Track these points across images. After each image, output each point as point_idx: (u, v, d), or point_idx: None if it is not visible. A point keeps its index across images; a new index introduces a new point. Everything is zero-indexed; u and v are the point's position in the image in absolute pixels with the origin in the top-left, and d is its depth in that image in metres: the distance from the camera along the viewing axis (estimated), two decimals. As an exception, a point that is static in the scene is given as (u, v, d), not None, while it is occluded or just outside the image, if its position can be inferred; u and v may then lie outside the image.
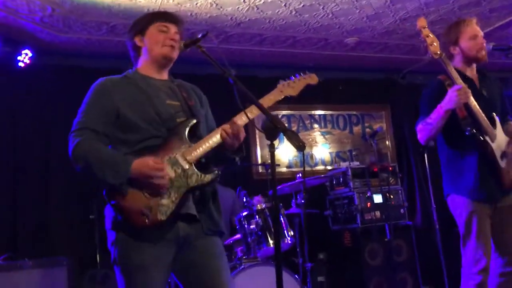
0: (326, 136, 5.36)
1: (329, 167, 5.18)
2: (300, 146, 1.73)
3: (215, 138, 1.93)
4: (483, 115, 2.74)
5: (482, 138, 2.72)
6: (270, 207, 3.44)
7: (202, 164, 1.93)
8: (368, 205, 4.47)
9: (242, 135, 1.95)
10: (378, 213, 4.48)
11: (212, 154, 1.96)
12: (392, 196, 4.58)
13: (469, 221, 2.80)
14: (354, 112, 5.52)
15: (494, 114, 2.85)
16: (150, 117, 1.91)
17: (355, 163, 4.80)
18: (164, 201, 1.80)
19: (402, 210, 4.59)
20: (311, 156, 5.24)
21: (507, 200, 2.86)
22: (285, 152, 5.06)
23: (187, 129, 1.93)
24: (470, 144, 2.79)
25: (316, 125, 5.35)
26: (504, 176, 2.79)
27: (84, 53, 4.44)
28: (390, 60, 5.24)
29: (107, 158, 1.81)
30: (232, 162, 2.10)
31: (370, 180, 4.57)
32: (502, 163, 2.78)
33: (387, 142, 5.56)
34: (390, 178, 4.68)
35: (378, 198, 4.52)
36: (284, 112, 5.22)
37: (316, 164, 5.25)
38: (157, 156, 1.83)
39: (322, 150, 5.30)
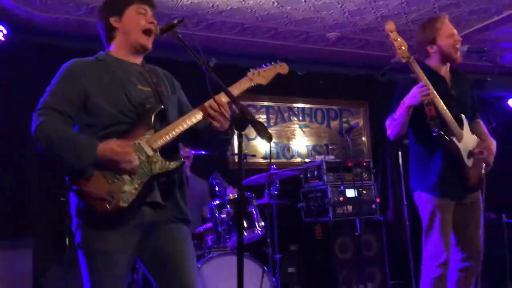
0: (304, 129, 5.38)
1: (306, 160, 5.20)
2: (267, 137, 1.74)
3: (185, 125, 1.92)
4: (450, 115, 2.79)
5: (448, 139, 2.77)
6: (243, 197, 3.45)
7: (169, 151, 1.92)
8: (341, 199, 4.52)
9: (227, 112, 1.94)
10: (350, 208, 4.53)
11: (206, 138, 1.99)
12: (364, 191, 4.63)
13: (432, 216, 2.87)
14: (333, 107, 5.55)
15: (462, 115, 2.91)
16: (120, 102, 1.89)
17: (330, 157, 4.84)
18: (126, 187, 1.79)
19: (373, 206, 4.65)
20: (288, 148, 5.27)
21: (471, 198, 2.94)
22: (262, 143, 5.07)
23: (154, 116, 1.91)
24: (437, 143, 2.84)
25: (294, 118, 5.36)
26: (470, 175, 2.85)
27: (62, 32, 4.36)
28: (371, 56, 5.28)
29: (71, 140, 1.78)
30: (226, 143, 2.10)
31: (344, 175, 4.62)
32: (469, 162, 2.84)
33: (363, 138, 5.61)
34: (364, 174, 4.73)
35: (351, 193, 4.57)
36: (264, 103, 5.22)
37: (292, 156, 5.27)
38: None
39: (299, 142, 5.32)
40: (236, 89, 2.03)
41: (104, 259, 1.81)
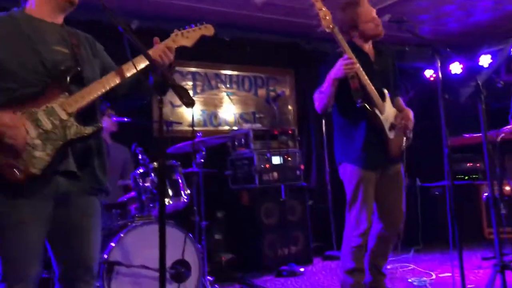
0: (231, 97, 5.35)
1: (234, 128, 5.20)
2: (188, 103, 1.69)
3: (103, 89, 1.82)
4: (373, 88, 2.88)
5: (371, 110, 2.87)
6: (167, 165, 3.39)
7: (85, 116, 1.82)
8: (267, 166, 4.58)
9: (172, 54, 1.93)
10: (275, 174, 4.61)
11: (130, 86, 1.91)
12: (290, 159, 4.73)
13: (356, 187, 2.97)
14: (260, 75, 5.55)
15: (384, 89, 3.01)
16: (31, 64, 1.76)
17: (257, 125, 4.87)
18: (38, 153, 1.68)
19: (298, 172, 4.77)
20: (215, 116, 5.23)
21: (392, 169, 3.07)
22: (188, 111, 4.98)
23: (69, 78, 1.80)
24: (360, 115, 2.93)
25: (222, 85, 5.31)
26: (391, 146, 2.98)
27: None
28: (297, 25, 5.29)
29: None
30: (149, 93, 2.04)
31: (270, 142, 4.67)
32: (390, 134, 2.96)
33: (289, 107, 5.69)
34: (289, 141, 4.82)
35: (276, 160, 4.65)
36: (190, 69, 5.11)
37: (219, 124, 5.24)
38: (34, 105, 1.70)
39: (226, 110, 5.29)
40: (157, 50, 1.95)
41: (17, 231, 1.71)
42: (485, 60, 5.63)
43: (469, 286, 2.97)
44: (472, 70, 5.78)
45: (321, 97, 2.96)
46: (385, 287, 3.19)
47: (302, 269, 4.25)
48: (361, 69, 2.82)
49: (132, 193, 3.44)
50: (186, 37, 2.03)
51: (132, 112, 4.10)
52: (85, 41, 1.98)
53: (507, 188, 4.59)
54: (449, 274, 3.73)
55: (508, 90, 4.52)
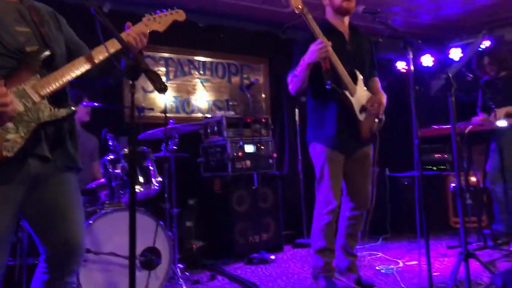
0: (205, 84, 5.30)
1: (207, 115, 5.15)
2: (161, 88, 1.67)
3: (77, 71, 1.78)
4: (344, 70, 2.90)
5: (340, 91, 2.89)
6: (138, 152, 3.34)
7: (57, 98, 1.77)
8: (240, 154, 4.58)
9: (146, 38, 1.91)
10: (248, 162, 4.62)
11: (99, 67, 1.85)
12: (263, 147, 4.73)
13: (324, 166, 3.02)
14: (234, 62, 5.51)
15: (357, 70, 3.04)
16: None
17: (231, 113, 4.85)
18: (10, 136, 1.63)
19: (271, 160, 4.78)
20: (188, 103, 5.17)
21: (361, 151, 3.13)
22: (161, 96, 4.92)
23: (40, 60, 1.74)
24: (331, 97, 2.95)
25: (195, 72, 5.25)
26: (361, 128, 3.01)
27: None
28: (273, 13, 5.27)
29: None
30: (119, 77, 2.01)
31: (244, 130, 4.67)
32: (361, 117, 2.99)
33: (263, 95, 5.68)
34: (263, 130, 4.82)
35: (249, 148, 4.65)
36: (163, 55, 5.03)
37: (192, 111, 5.19)
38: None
39: (199, 97, 5.24)
40: (130, 34, 1.91)
41: None
42: (455, 54, 5.74)
43: (434, 273, 3.05)
44: (443, 63, 5.89)
45: (294, 80, 2.97)
46: (357, 268, 3.25)
47: (273, 257, 4.28)
48: (333, 52, 2.83)
49: (102, 180, 3.39)
50: (158, 22, 2.01)
51: (103, 97, 4.03)
52: (47, 16, 1.91)
53: (473, 179, 4.72)
54: (416, 262, 3.83)
55: (476, 84, 4.63)
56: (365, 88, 3.08)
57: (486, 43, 5.17)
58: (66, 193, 1.84)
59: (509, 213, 4.21)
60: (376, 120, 3.08)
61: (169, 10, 2.05)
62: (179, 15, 2.08)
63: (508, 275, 2.22)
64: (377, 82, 3.24)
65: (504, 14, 5.70)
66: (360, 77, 3.04)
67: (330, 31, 2.94)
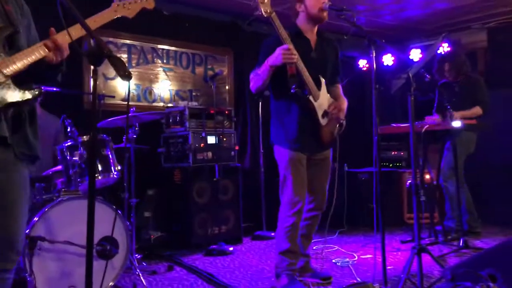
0: (168, 73, 5.23)
1: (169, 105, 5.09)
2: (125, 75, 1.63)
3: (38, 54, 1.72)
4: (309, 75, 2.94)
5: (304, 97, 2.94)
6: (98, 139, 3.27)
7: (21, 80, 1.71)
8: (202, 146, 4.56)
9: (66, 52, 1.79)
10: (210, 154, 4.60)
11: (29, 71, 1.75)
12: (225, 139, 4.73)
13: (287, 169, 3.05)
14: (199, 52, 5.46)
15: (320, 76, 3.08)
16: None
17: (194, 103, 4.80)
18: None
19: (233, 153, 4.78)
20: (150, 92, 5.09)
21: (322, 154, 3.18)
22: (122, 84, 4.82)
23: (4, 38, 1.68)
24: (294, 100, 3.00)
25: (158, 60, 5.17)
26: (323, 132, 3.07)
27: None
28: (240, 5, 5.24)
29: None
30: (51, 79, 1.93)
31: (206, 122, 4.64)
32: (323, 121, 3.05)
33: (227, 87, 5.66)
34: (225, 122, 4.81)
35: (211, 140, 4.63)
36: (126, 41, 4.92)
37: (154, 100, 5.12)
38: None
39: (162, 86, 5.17)
40: (99, 19, 1.87)
41: None
42: (415, 54, 5.90)
43: (388, 267, 3.14)
44: (403, 63, 6.04)
45: (256, 79, 3.00)
46: (310, 267, 3.31)
47: (231, 249, 4.29)
48: (299, 58, 2.87)
49: (59, 167, 3.29)
50: (127, 8, 1.97)
51: (61, 82, 3.90)
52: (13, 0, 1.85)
53: (427, 176, 4.88)
54: (371, 256, 3.94)
55: (433, 85, 4.78)
56: (328, 94, 3.13)
57: (444, 46, 5.34)
58: (13, 187, 1.78)
59: (460, 210, 4.39)
60: (337, 125, 3.14)
61: None
62: (148, 3, 2.06)
63: (457, 269, 2.32)
64: (339, 89, 3.30)
65: (461, 18, 5.91)
66: (324, 83, 3.09)
67: (297, 36, 2.99)
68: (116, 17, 1.94)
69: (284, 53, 2.78)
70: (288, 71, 2.84)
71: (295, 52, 2.81)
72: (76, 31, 1.78)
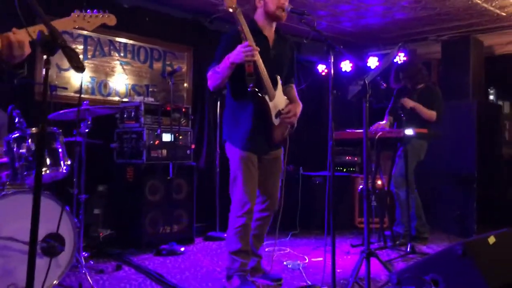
0: (125, 67, 5.11)
1: (124, 99, 4.97)
2: (78, 67, 1.57)
3: None
4: (267, 74, 2.94)
5: (261, 95, 2.93)
6: (48, 132, 3.14)
7: None
8: (156, 143, 4.47)
9: (27, 50, 1.76)
10: (165, 152, 4.52)
11: None
12: (181, 137, 4.66)
13: (238, 168, 3.04)
14: (157, 47, 5.37)
15: (278, 76, 3.09)
16: None
17: (150, 99, 4.71)
18: None
19: (188, 151, 4.72)
20: (105, 85, 4.95)
21: (273, 154, 3.19)
22: (76, 76, 4.67)
23: None
24: (250, 99, 2.98)
25: (115, 53, 5.04)
26: (274, 132, 3.07)
27: None
28: (202, 2, 5.20)
29: None
30: (9, 77, 1.86)
31: (162, 118, 4.56)
32: (276, 121, 3.05)
33: (185, 84, 5.59)
34: (182, 119, 4.75)
35: (167, 137, 4.56)
36: (82, 32, 4.76)
37: (109, 94, 4.98)
38: None
39: (118, 80, 5.04)
40: (56, 25, 1.83)
41: None
42: (372, 62, 6.04)
43: (338, 270, 3.19)
44: (360, 69, 6.17)
45: (215, 76, 2.96)
46: (261, 268, 3.32)
47: (182, 249, 4.23)
48: (259, 56, 2.86)
49: (4, 159, 3.14)
50: (87, 21, 1.97)
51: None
52: None
53: (379, 182, 5.00)
54: (321, 259, 3.99)
55: (388, 93, 4.91)
56: (283, 94, 3.14)
57: (401, 55, 5.49)
58: None
59: (409, 216, 4.52)
60: (289, 126, 3.15)
61: (101, 12, 2.02)
62: (110, 20, 2.08)
63: (403, 274, 2.38)
64: (294, 90, 3.31)
65: (418, 29, 6.10)
66: (280, 82, 3.10)
67: (255, 33, 2.96)
68: (73, 27, 1.91)
69: (245, 50, 2.76)
70: (245, 69, 2.82)
71: (256, 50, 2.80)
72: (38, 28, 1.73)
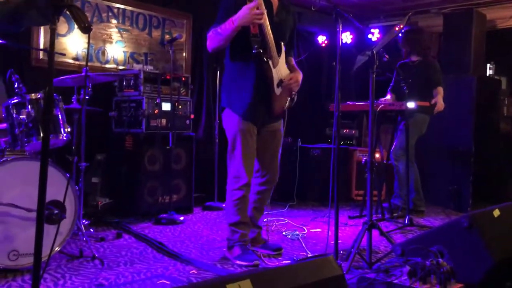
0: (123, 34, 5.00)
1: (121, 67, 4.89)
2: (85, 27, 1.52)
3: None
4: (272, 39, 2.84)
5: (265, 59, 2.82)
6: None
7: None
8: (156, 112, 4.42)
9: None
10: (164, 121, 4.47)
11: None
12: (180, 106, 4.60)
13: (236, 138, 2.96)
14: (156, 14, 5.25)
15: (282, 42, 3.00)
16: None
17: (149, 67, 4.63)
18: None
19: (187, 121, 4.68)
20: (103, 52, 4.85)
21: (273, 126, 3.11)
22: (73, 42, 4.56)
23: None
24: (252, 64, 2.88)
25: (113, 20, 4.92)
26: (275, 103, 2.98)
27: None
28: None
29: None
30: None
31: (162, 87, 4.49)
32: (277, 91, 2.96)
33: (184, 54, 5.49)
34: (182, 89, 4.68)
35: (166, 106, 4.50)
36: (79, -3, 4.64)
37: (107, 62, 4.89)
38: None
39: (116, 47, 4.94)
40: None
41: None
42: (374, 34, 5.96)
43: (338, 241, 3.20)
44: (361, 42, 6.10)
45: (217, 38, 2.84)
46: (262, 238, 3.33)
47: (182, 218, 4.24)
48: (266, 18, 2.76)
49: (3, 125, 3.08)
50: None
51: (7, 35, 3.64)
52: None
53: (377, 155, 5.00)
54: (319, 230, 4.02)
55: (391, 65, 4.85)
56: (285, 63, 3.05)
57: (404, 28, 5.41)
58: None
59: (408, 189, 4.54)
60: (289, 98, 3.06)
61: None
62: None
63: (407, 246, 2.39)
64: (293, 62, 3.23)
65: (420, 1, 6.01)
66: (284, 49, 3.01)
67: None
68: None
69: (254, 13, 2.67)
70: (251, 30, 2.73)
71: (263, 10, 2.70)
72: None
